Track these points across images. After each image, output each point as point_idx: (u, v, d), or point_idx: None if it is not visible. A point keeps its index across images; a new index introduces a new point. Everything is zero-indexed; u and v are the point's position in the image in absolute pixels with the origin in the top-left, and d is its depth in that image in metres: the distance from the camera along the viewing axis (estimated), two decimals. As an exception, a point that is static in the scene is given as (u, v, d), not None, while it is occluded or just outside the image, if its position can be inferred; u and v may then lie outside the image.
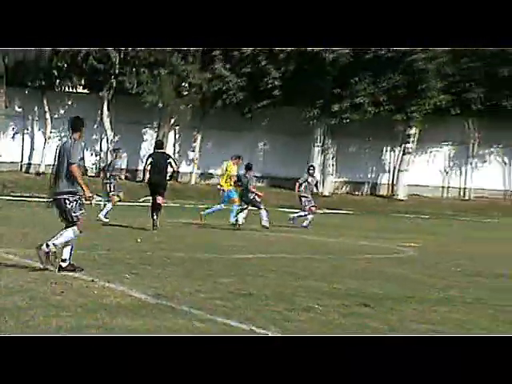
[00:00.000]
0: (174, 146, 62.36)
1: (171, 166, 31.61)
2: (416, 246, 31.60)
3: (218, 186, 40.66)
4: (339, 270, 23.06)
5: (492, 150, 65.01)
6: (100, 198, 35.13)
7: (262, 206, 36.50)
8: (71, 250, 19.19)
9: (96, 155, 61.56)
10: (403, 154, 63.84)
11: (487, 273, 24.31)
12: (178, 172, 35.19)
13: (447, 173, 65.26)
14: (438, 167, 64.45)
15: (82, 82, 60.48)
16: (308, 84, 59.30)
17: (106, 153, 60.59)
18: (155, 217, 31.12)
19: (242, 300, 16.45)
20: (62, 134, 61.23)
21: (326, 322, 14.48)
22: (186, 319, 14.09)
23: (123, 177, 38.57)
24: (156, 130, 61.72)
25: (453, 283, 21.19)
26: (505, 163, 64.81)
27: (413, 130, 63.05)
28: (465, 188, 64.72)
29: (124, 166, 39.51)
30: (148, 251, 20.89)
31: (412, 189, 63.39)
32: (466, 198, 65.05)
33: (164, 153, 32.47)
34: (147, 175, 30.65)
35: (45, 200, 22.86)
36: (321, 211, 40.49)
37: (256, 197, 37.11)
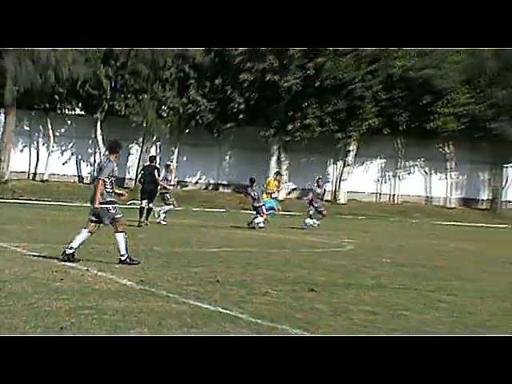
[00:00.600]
0: (155, 158, 62.18)
1: (157, 176, 32.27)
2: (354, 241, 31.78)
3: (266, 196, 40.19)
4: (291, 261, 23.19)
5: (416, 162, 65.27)
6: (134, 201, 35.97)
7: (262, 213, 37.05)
8: (81, 244, 19.50)
9: (90, 166, 61.29)
10: (344, 166, 63.99)
11: (410, 263, 24.54)
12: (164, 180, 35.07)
13: (379, 181, 65.39)
14: (372, 177, 64.66)
15: (80, 105, 60.23)
16: (266, 108, 59.39)
17: (99, 163, 60.42)
18: (142, 218, 31.30)
19: (210, 286, 16.65)
20: (63, 148, 61.18)
21: (279, 304, 14.67)
22: (164, 302, 14.30)
23: (171, 187, 38.69)
24: (140, 145, 61.57)
25: (383, 272, 21.44)
26: (426, 173, 65.09)
27: (352, 146, 63.20)
28: (394, 194, 64.90)
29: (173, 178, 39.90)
30: (133, 246, 20.83)
31: (351, 195, 63.54)
32: (395, 202, 65.22)
33: (154, 166, 32.86)
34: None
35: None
36: (277, 213, 40.44)
37: (262, 206, 37.47)
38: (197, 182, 62.84)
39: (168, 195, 36.65)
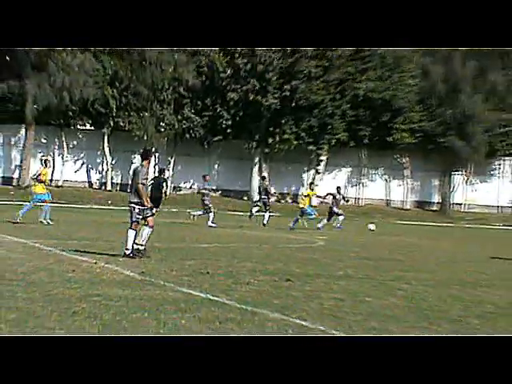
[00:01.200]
0: (155, 167, 62.07)
1: (165, 186, 32.71)
2: (325, 238, 31.76)
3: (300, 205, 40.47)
4: (270, 255, 23.19)
5: (377, 171, 65.35)
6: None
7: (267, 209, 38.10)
8: (147, 235, 19.87)
9: (99, 173, 61.18)
10: (316, 174, 63.94)
11: (372, 257, 24.56)
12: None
13: (346, 187, 65.34)
14: (340, 183, 64.58)
15: (89, 121, 60.11)
16: (250, 124, 59.41)
17: (107, 171, 60.48)
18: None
19: (201, 277, 16.67)
20: (75, 158, 61.04)
21: (260, 292, 14.71)
22: (162, 290, 14.33)
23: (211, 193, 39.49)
24: (141, 155, 61.54)
25: (349, 264, 21.43)
26: (386, 180, 65.19)
27: (323, 157, 63.22)
28: (358, 198, 64.87)
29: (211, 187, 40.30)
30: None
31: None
32: (360, 205, 65.23)
33: (163, 178, 33.19)
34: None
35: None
36: (257, 214, 40.41)
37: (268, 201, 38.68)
38: (190, 188, 62.69)
39: (208, 201, 37.33)
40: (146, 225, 19.77)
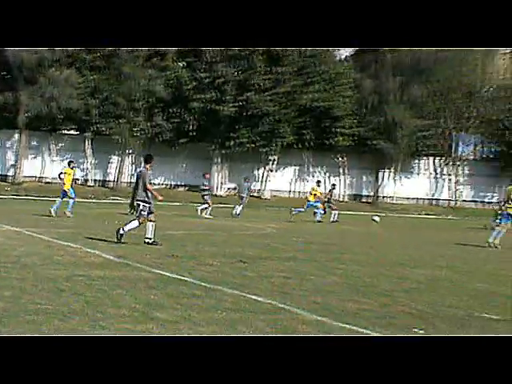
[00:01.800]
0: (130, 167, 61.86)
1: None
2: (275, 226, 31.82)
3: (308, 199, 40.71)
4: (229, 241, 23.19)
5: (319, 169, 65.40)
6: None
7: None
8: (152, 228, 19.84)
9: (83, 171, 60.80)
10: (268, 171, 63.97)
11: (315, 241, 24.63)
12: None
13: (293, 182, 65.48)
14: (288, 179, 64.76)
15: (74, 127, 59.72)
16: (211, 129, 59.26)
17: (89, 170, 60.30)
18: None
19: (171, 259, 16.64)
20: (62, 159, 60.69)
21: (219, 272, 14.75)
22: (136, 271, 14.33)
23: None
24: (119, 157, 61.09)
25: (297, 249, 21.46)
26: (328, 177, 65.24)
27: (273, 157, 63.19)
28: (304, 191, 64.90)
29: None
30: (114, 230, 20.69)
31: (273, 192, 63.64)
32: (304, 197, 65.39)
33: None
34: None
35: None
36: (215, 205, 40.39)
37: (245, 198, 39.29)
38: (161, 184, 62.50)
39: (208, 196, 37.87)
40: (149, 221, 19.75)
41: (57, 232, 21.74)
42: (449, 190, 67.23)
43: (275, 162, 63.45)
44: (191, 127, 59.60)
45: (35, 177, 60.29)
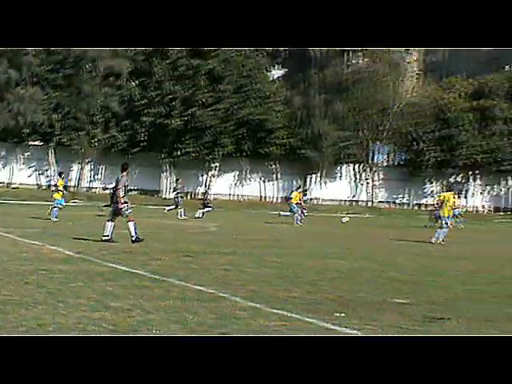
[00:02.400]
0: (88, 173, 61.24)
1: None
2: (216, 225, 31.79)
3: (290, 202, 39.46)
4: (176, 238, 23.07)
5: (255, 174, 65.52)
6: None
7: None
8: (133, 227, 19.59)
9: (46, 178, 60.04)
10: (211, 177, 63.86)
11: (252, 238, 24.69)
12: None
13: (232, 186, 65.49)
14: (228, 184, 64.78)
15: (39, 139, 58.95)
16: (160, 140, 59.00)
17: (52, 176, 59.57)
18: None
19: (124, 255, 16.70)
20: (28, 167, 59.88)
21: (168, 266, 14.69)
22: (93, 265, 14.23)
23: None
24: (79, 165, 60.44)
25: (236, 244, 21.48)
26: (263, 182, 65.36)
27: (215, 165, 63.10)
28: (242, 195, 64.90)
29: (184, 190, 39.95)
30: (77, 230, 20.51)
31: (215, 196, 63.51)
32: (242, 200, 65.18)
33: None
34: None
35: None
36: (161, 207, 40.19)
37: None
38: (66, 186, 61.96)
39: (180, 200, 38.04)
40: (128, 221, 19.61)
41: (23, 231, 21.46)
42: (366, 192, 67.87)
43: (217, 169, 63.41)
44: (142, 138, 59.30)
45: (3, 183, 59.39)
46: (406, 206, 67.89)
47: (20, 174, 59.59)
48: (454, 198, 28.87)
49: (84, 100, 56.79)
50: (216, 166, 63.37)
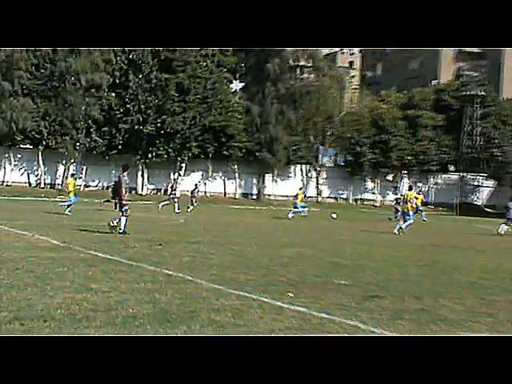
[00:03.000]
0: (72, 172, 60.57)
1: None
2: (185, 218, 31.65)
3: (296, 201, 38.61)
4: (149, 229, 22.88)
5: (218, 173, 65.28)
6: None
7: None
8: (125, 221, 19.50)
9: (36, 176, 59.27)
10: (178, 175, 63.44)
11: (215, 229, 24.64)
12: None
13: (199, 184, 65.16)
14: (194, 182, 64.44)
15: (29, 142, 58.11)
16: (135, 143, 58.56)
17: (41, 175, 58.78)
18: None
19: (103, 243, 16.51)
20: (20, 167, 59.04)
21: (141, 253, 14.65)
22: (76, 253, 14.10)
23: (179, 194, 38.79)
24: (64, 164, 59.69)
25: (202, 234, 21.41)
26: (225, 180, 65.17)
27: (183, 165, 62.67)
28: (206, 191, 64.66)
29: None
30: (65, 222, 20.31)
31: (183, 192, 63.11)
32: (207, 196, 65.01)
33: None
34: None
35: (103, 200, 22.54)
36: (139, 202, 39.95)
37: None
38: (96, 185, 61.30)
39: (176, 198, 36.98)
40: (123, 216, 19.52)
41: (14, 223, 21.17)
42: (316, 188, 68.15)
43: (184, 169, 63.09)
44: (120, 142, 58.74)
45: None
46: (347, 201, 68.39)
47: (12, 173, 58.71)
48: (417, 196, 30.05)
49: (68, 109, 56.18)
50: (184, 166, 63.03)
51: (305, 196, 42.08)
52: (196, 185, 44.56)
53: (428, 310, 9.06)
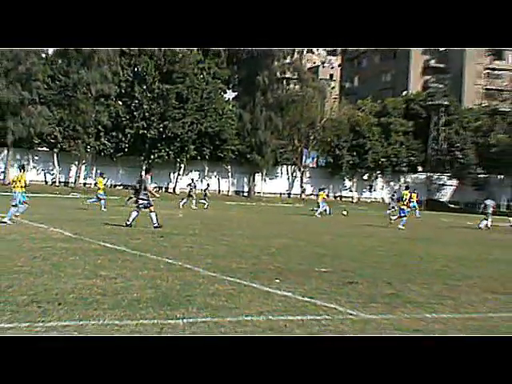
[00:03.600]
0: (84, 172, 60.32)
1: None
2: (182, 213, 31.54)
3: (318, 199, 37.07)
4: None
5: (214, 173, 64.95)
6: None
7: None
8: (155, 216, 18.95)
9: (51, 175, 59.00)
10: (178, 175, 63.18)
11: (211, 222, 24.51)
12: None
13: (196, 182, 64.90)
14: (187, 181, 64.16)
15: (45, 145, 57.84)
16: (140, 146, 58.39)
17: (56, 174, 58.43)
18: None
19: (112, 235, 16.44)
20: (38, 167, 58.79)
21: (145, 243, 14.63)
22: (88, 244, 14.03)
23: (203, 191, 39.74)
24: (77, 165, 59.37)
25: (199, 228, 21.32)
26: (219, 179, 64.91)
27: (182, 165, 62.07)
28: (205, 189, 64.33)
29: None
30: (75, 216, 20.19)
31: (182, 189, 62.87)
32: (206, 194, 64.79)
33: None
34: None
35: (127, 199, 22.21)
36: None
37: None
38: (105, 184, 60.96)
39: (193, 195, 38.26)
40: (151, 212, 19.28)
41: (32, 217, 21.06)
42: (300, 187, 68.15)
43: (183, 169, 62.91)
44: (126, 145, 58.57)
45: (18, 180, 58.28)
46: (328, 198, 68.35)
47: (30, 172, 58.40)
48: (411, 194, 30.80)
49: (80, 116, 56.00)
50: (182, 167, 62.80)
51: (327, 196, 40.57)
52: (208, 184, 44.77)
53: (398, 294, 9.10)
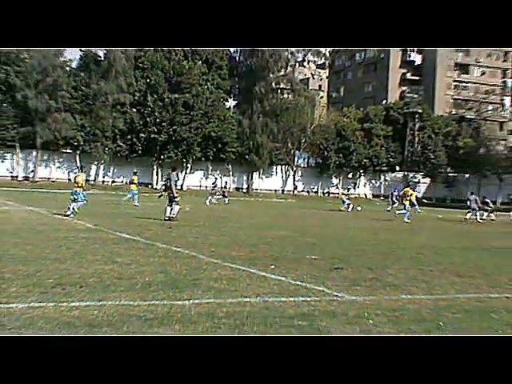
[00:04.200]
0: (102, 171, 60.17)
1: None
2: (191, 207, 31.45)
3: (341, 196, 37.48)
4: (162, 215, 22.68)
5: (216, 172, 64.32)
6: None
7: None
8: (171, 211, 18.64)
9: (73, 174, 58.67)
10: (186, 174, 62.96)
11: (216, 216, 24.39)
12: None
13: (200, 181, 64.61)
14: (197, 179, 63.73)
15: (69, 147, 57.73)
16: (152, 148, 58.18)
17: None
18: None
19: (127, 226, 16.38)
20: (62, 166, 58.67)
21: (156, 234, 14.65)
22: (105, 234, 14.05)
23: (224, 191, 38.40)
24: (96, 165, 59.26)
25: (204, 220, 21.28)
26: (220, 176, 64.55)
27: (189, 165, 61.93)
28: (206, 186, 64.14)
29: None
30: (94, 210, 20.09)
31: (189, 186, 62.65)
32: (206, 190, 64.49)
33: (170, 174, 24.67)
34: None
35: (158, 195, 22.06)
36: (155, 195, 39.51)
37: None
38: (122, 181, 60.88)
39: (217, 193, 37.12)
40: (176, 205, 19.07)
41: (57, 210, 21.04)
42: (293, 184, 68.12)
43: (189, 169, 62.79)
44: (140, 148, 58.54)
45: (46, 178, 58.03)
46: (317, 194, 68.38)
47: (56, 172, 58.45)
48: (412, 191, 31.02)
49: (99, 122, 56.02)
50: (189, 167, 62.58)
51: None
52: (226, 182, 44.51)
53: (378, 278, 9.11)
